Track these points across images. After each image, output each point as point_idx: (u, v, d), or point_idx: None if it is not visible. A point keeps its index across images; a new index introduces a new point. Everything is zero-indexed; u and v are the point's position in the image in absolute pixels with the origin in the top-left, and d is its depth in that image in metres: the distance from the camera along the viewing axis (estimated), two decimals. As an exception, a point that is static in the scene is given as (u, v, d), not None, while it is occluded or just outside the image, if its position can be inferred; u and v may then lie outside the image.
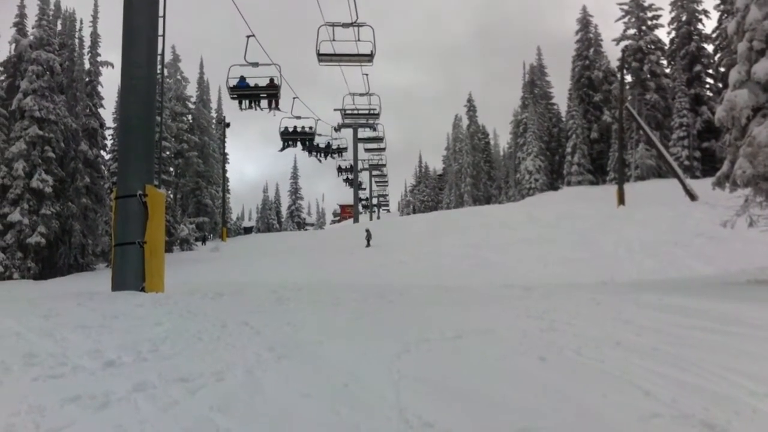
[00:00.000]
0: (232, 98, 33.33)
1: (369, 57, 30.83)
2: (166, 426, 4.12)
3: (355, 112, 50.72)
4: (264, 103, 33.56)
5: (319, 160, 49.08)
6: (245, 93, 32.94)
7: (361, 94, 46.05)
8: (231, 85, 32.45)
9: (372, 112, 49.53)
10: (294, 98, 40.58)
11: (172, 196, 51.62)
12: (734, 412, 4.32)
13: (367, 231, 38.35)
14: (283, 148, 45.03)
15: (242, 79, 32.54)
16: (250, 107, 33.72)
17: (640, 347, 6.51)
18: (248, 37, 28.72)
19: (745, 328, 7.44)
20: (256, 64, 31.15)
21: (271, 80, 32.56)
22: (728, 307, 9.15)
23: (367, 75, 39.57)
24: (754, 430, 4.05)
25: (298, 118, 42.49)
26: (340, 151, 51.27)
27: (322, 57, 31.08)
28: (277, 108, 34.15)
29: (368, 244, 36.69)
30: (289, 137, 43.63)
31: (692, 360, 5.82)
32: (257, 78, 32.73)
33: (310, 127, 43.93)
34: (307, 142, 44.94)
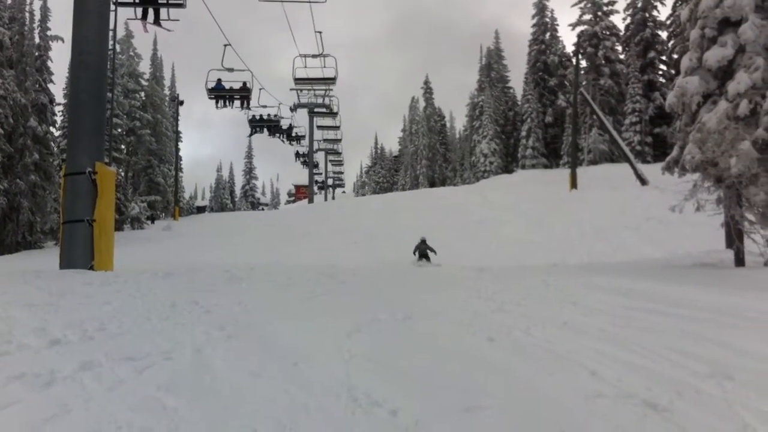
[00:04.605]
0: (210, 98, 36.87)
1: None
2: (112, 405, 4.07)
3: (308, 77, 45.52)
4: (237, 103, 37.89)
5: (282, 141, 51.52)
6: (221, 94, 36.97)
7: (314, 56, 39.99)
8: (209, 87, 36.27)
9: (327, 76, 44.91)
10: (260, 89, 48.61)
11: (123, 174, 50.89)
12: (677, 392, 4.43)
13: (423, 242, 21.93)
14: (251, 134, 49.80)
15: (219, 82, 36.60)
16: (225, 106, 37.77)
17: (587, 328, 6.63)
18: (225, 45, 32.48)
19: (690, 310, 7.61)
20: (231, 70, 35.01)
21: (244, 84, 36.79)
22: (674, 289, 9.35)
23: (320, 33, 35.62)
24: (696, 410, 4.14)
25: (264, 107, 45.54)
26: (299, 138, 54.34)
27: None
28: (248, 108, 39.60)
29: (426, 259, 21.36)
30: (256, 124, 47.45)
31: (637, 341, 5.94)
32: (232, 82, 37.13)
33: (275, 115, 47.48)
34: (272, 128, 48.60)
